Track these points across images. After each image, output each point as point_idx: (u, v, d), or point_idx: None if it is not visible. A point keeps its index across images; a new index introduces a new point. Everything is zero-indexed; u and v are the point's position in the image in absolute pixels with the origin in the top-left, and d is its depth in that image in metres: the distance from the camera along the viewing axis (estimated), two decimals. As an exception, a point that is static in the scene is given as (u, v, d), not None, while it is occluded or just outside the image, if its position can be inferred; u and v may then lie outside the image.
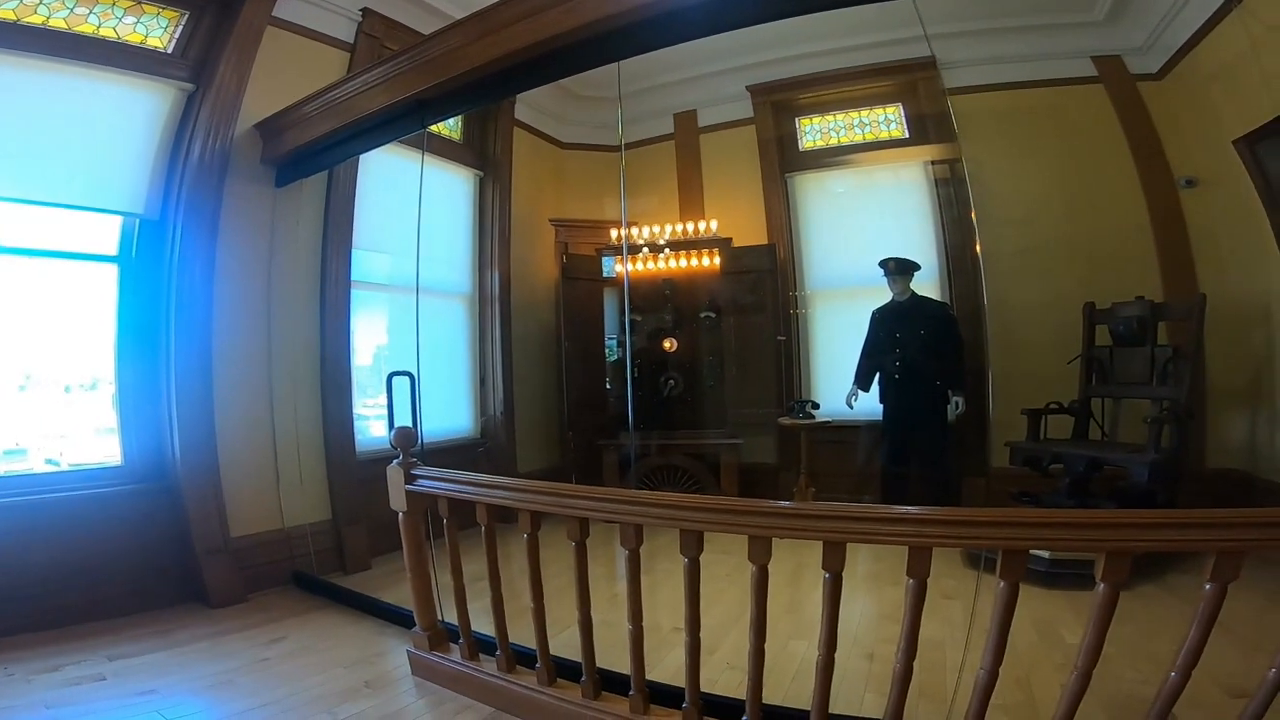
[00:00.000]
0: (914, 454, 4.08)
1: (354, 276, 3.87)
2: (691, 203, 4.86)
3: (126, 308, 3.42)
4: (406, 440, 2.48)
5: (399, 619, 2.98)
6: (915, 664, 1.78)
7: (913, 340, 3.97)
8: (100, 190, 3.30)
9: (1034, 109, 3.97)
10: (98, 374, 3.41)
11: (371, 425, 3.93)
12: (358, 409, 3.91)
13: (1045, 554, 2.72)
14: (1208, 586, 1.53)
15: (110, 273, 3.42)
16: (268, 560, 3.58)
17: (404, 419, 3.20)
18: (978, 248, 3.70)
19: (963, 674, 2.14)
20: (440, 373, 4.17)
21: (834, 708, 1.86)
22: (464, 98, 3.00)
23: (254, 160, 3.66)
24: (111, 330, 3.40)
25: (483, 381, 4.29)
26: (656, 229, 4.74)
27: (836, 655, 1.82)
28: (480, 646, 2.44)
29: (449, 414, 4.26)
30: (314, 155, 3.54)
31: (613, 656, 2.13)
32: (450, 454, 4.06)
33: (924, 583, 1.69)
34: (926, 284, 4.08)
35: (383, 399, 3.29)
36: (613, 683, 2.16)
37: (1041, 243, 3.73)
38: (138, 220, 3.44)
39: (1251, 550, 1.49)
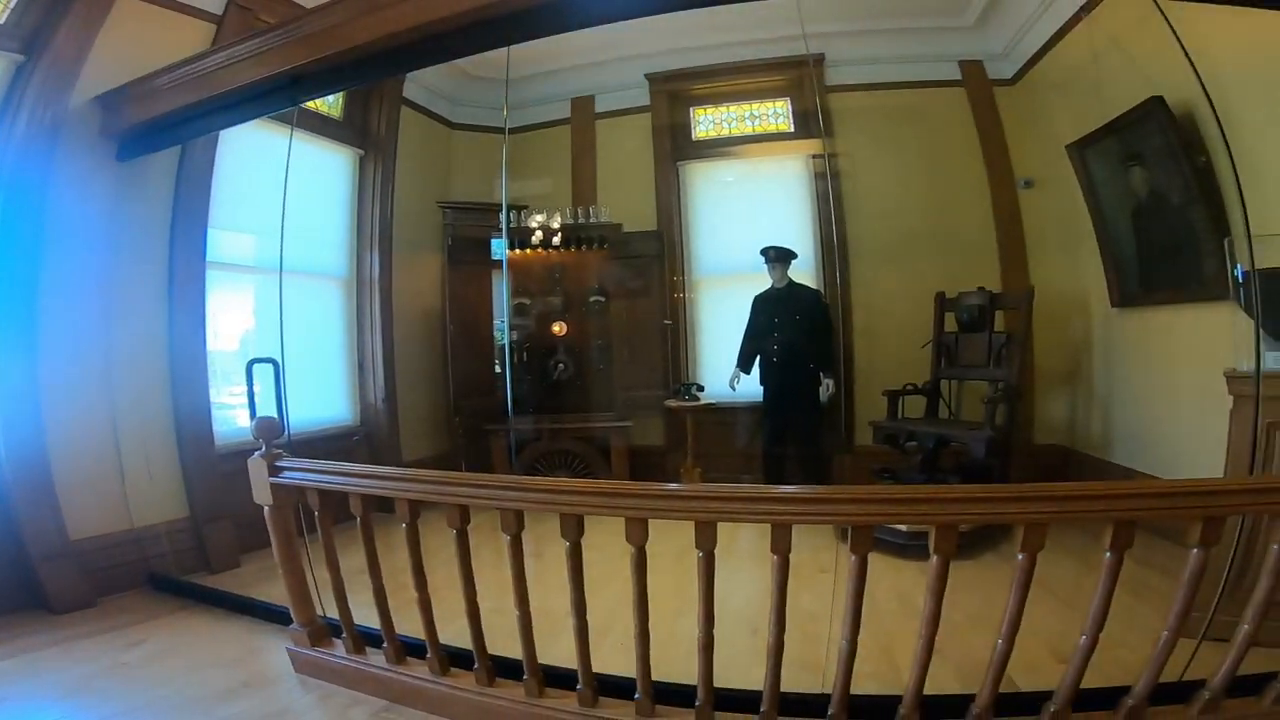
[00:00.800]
0: (791, 434, 4.30)
1: (211, 257, 3.59)
2: (584, 188, 4.84)
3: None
4: (269, 431, 2.37)
5: (275, 616, 2.85)
6: (795, 636, 1.89)
7: (789, 325, 4.17)
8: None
9: (905, 108, 4.22)
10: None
11: (239, 415, 3.69)
12: (220, 398, 3.65)
13: (903, 527, 2.95)
14: (1020, 556, 1.71)
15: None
16: (117, 562, 3.32)
17: (269, 408, 3.04)
18: (841, 238, 3.93)
19: (830, 646, 2.26)
20: (313, 359, 3.96)
21: (722, 682, 1.95)
22: (344, 75, 2.86)
23: (93, 133, 3.33)
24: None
25: (361, 367, 4.12)
26: (548, 213, 4.70)
27: (723, 632, 1.90)
28: (367, 640, 2.40)
29: (324, 402, 4.06)
30: (167, 129, 3.27)
31: (507, 643, 2.14)
32: (326, 443, 3.89)
33: (787, 558, 1.79)
34: (804, 272, 4.27)
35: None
36: (508, 669, 2.17)
37: (902, 235, 4.01)
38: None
39: (1051, 521, 1.67)
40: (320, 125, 4.16)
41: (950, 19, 4.05)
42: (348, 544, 2.31)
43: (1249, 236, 2.24)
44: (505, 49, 2.84)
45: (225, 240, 3.69)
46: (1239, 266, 2.26)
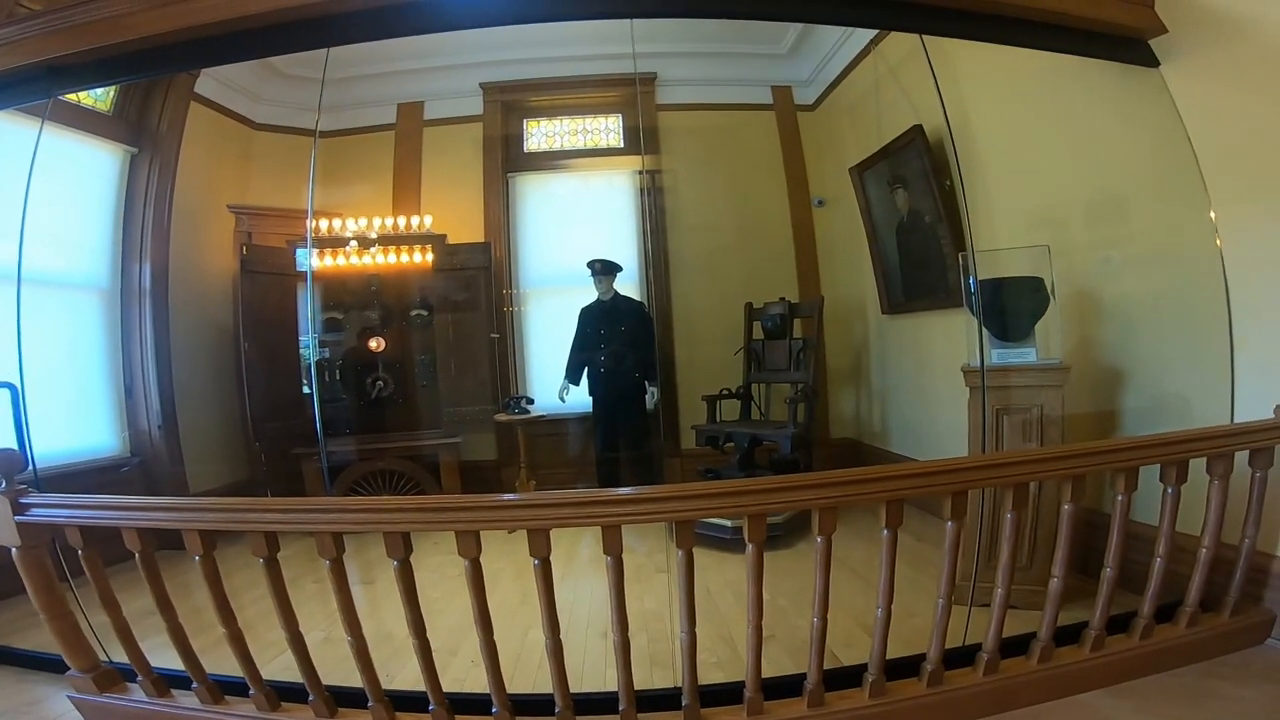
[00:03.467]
0: (622, 441, 4.39)
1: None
2: (407, 196, 4.62)
3: None
4: (10, 464, 2.07)
5: (45, 664, 2.51)
6: (644, 637, 1.91)
7: (615, 336, 4.28)
8: None
9: (723, 129, 4.51)
10: None
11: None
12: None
13: (728, 523, 3.10)
14: (818, 539, 1.86)
15: None
16: None
17: (7, 439, 2.59)
18: (664, 251, 4.11)
19: (676, 641, 2.35)
20: (65, 382, 3.40)
21: (582, 686, 1.96)
22: (121, 69, 2.53)
23: None
24: None
25: (129, 391, 3.58)
26: (365, 221, 4.43)
27: (575, 639, 1.91)
28: (173, 682, 2.17)
29: (82, 431, 3.48)
30: None
31: (346, 672, 2.01)
32: (89, 476, 3.34)
33: (620, 558, 1.82)
34: (629, 284, 4.41)
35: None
36: (351, 698, 2.05)
37: (717, 248, 4.28)
38: None
39: (838, 504, 1.84)
40: (83, 119, 3.59)
41: (768, 46, 4.37)
42: (133, 582, 2.06)
43: (973, 251, 2.65)
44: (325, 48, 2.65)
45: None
46: (971, 277, 2.66)
